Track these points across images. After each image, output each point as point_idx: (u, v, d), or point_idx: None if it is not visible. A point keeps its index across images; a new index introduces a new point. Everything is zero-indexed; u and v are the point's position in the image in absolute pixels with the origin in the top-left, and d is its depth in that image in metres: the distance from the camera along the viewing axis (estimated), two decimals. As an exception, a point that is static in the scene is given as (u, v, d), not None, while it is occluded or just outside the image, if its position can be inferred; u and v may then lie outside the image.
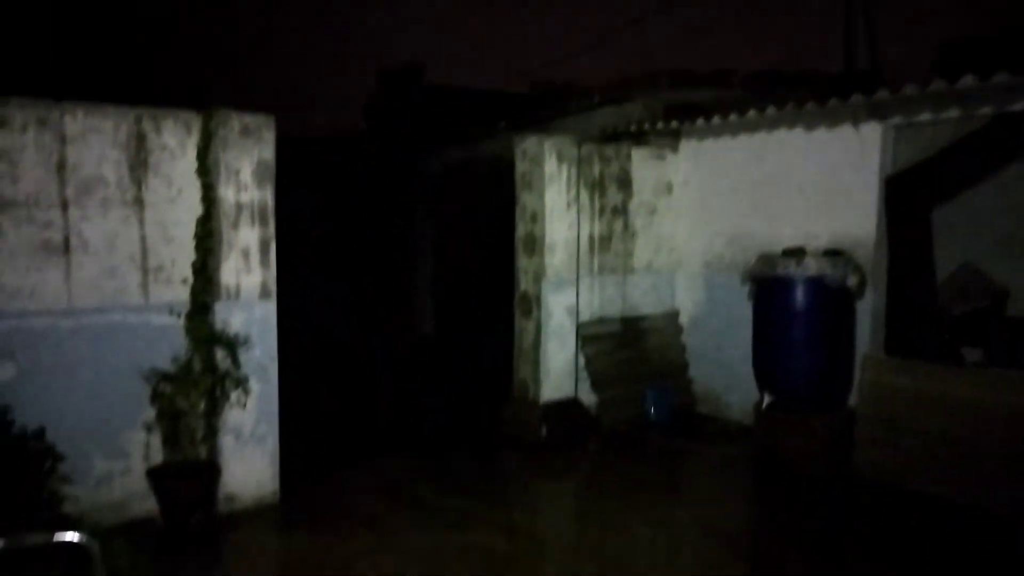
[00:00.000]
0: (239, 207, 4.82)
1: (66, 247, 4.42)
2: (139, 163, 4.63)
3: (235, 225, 4.81)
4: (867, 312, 5.75)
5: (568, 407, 6.51)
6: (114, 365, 4.58)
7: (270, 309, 4.94)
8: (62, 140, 4.37)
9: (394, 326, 10.69)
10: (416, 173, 10.90)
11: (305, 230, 10.31)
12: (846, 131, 5.83)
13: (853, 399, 5.65)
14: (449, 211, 10.59)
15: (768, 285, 5.64)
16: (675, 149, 7.37)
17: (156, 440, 4.74)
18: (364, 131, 13.74)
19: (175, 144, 4.76)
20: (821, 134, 6.04)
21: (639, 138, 7.27)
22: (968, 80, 4.64)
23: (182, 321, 4.76)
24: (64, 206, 4.41)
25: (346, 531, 4.49)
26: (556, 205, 6.37)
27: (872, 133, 5.63)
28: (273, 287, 4.96)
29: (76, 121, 4.41)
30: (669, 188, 7.39)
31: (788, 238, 6.14)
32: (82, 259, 4.48)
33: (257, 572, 4.09)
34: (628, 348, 7.09)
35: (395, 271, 11.16)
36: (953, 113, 5.15)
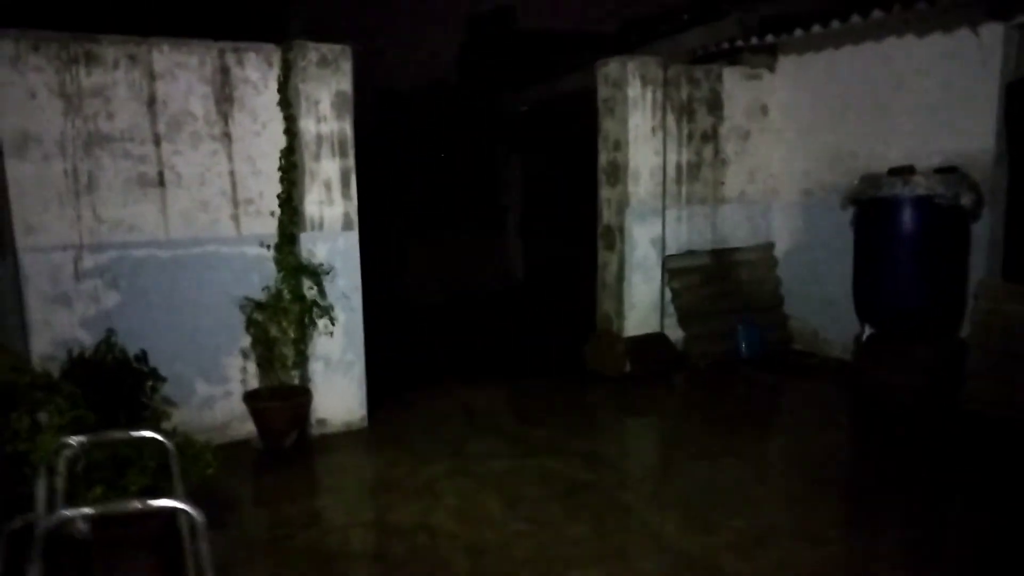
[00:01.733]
0: (320, 138, 4.96)
1: (160, 180, 4.69)
2: (225, 97, 4.82)
3: (316, 157, 4.95)
4: (984, 235, 5.35)
5: (653, 341, 6.45)
6: (211, 294, 4.87)
7: (352, 240, 5.10)
8: (151, 76, 4.60)
9: (487, 267, 10.86)
10: (503, 117, 10.89)
11: (407, 180, 10.66)
12: (963, 36, 5.35)
13: (964, 330, 5.32)
14: (537, 151, 10.55)
15: (872, 207, 5.33)
16: (772, 67, 6.99)
17: (252, 366, 5.04)
18: (456, 81, 13.76)
19: (258, 78, 4.91)
20: (936, 40, 5.56)
21: (733, 57, 6.94)
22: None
23: (272, 252, 4.99)
24: (157, 141, 4.66)
25: (429, 454, 4.67)
26: (640, 130, 6.20)
27: (992, 36, 5.14)
28: (355, 218, 5.10)
29: (163, 56, 4.62)
30: (764, 110, 7.04)
31: (897, 159, 5.75)
32: (176, 192, 4.74)
33: (345, 488, 4.31)
34: (718, 282, 6.91)
35: (486, 214, 11.28)
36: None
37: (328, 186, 5.00)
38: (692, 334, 6.68)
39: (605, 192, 6.44)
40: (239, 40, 4.89)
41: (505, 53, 12.69)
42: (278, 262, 4.96)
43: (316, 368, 5.09)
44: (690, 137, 6.69)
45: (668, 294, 6.68)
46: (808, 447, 4.75)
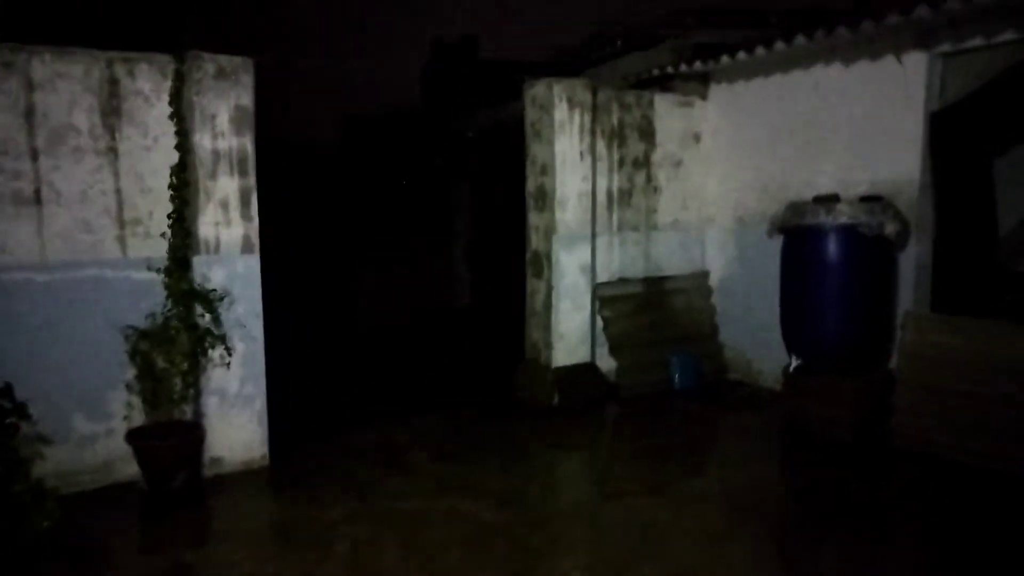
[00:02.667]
0: (216, 155, 4.67)
1: (37, 198, 4.34)
2: (112, 110, 4.51)
3: (212, 175, 4.65)
4: (911, 265, 5.30)
5: (583, 372, 6.24)
6: (92, 322, 4.51)
7: (253, 264, 4.79)
8: (29, 86, 4.27)
9: (435, 291, 10.64)
10: (455, 142, 10.77)
11: (364, 203, 10.43)
12: (888, 64, 5.35)
13: (893, 362, 5.23)
14: (483, 177, 10.41)
15: (796, 235, 5.24)
16: (704, 95, 6.95)
17: (138, 400, 4.67)
18: (418, 106, 13.63)
19: (150, 89, 4.62)
20: (861, 68, 5.56)
21: (665, 84, 6.88)
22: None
23: (161, 276, 4.65)
24: (34, 155, 4.32)
25: (331, 497, 4.35)
26: (568, 155, 6.05)
27: (916, 64, 5.14)
28: (256, 240, 4.80)
29: (44, 65, 4.30)
30: (697, 138, 6.98)
31: (826, 187, 5.70)
32: (55, 211, 4.39)
33: (228, 537, 3.96)
34: (651, 311, 6.76)
35: (436, 239, 11.10)
36: (1008, 36, 4.63)
37: (225, 206, 4.70)
38: (624, 364, 6.50)
39: (533, 218, 6.26)
40: (132, 51, 4.60)
41: (464, 80, 12.66)
42: (168, 287, 4.62)
43: (211, 403, 4.74)
44: (621, 163, 6.58)
45: (600, 323, 6.50)
46: (731, 483, 4.58)
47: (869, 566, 3.54)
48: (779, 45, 5.54)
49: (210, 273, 4.67)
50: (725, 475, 4.78)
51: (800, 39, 5.36)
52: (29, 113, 4.29)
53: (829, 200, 5.17)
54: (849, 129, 5.68)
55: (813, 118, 5.97)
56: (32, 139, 4.30)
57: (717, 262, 7.07)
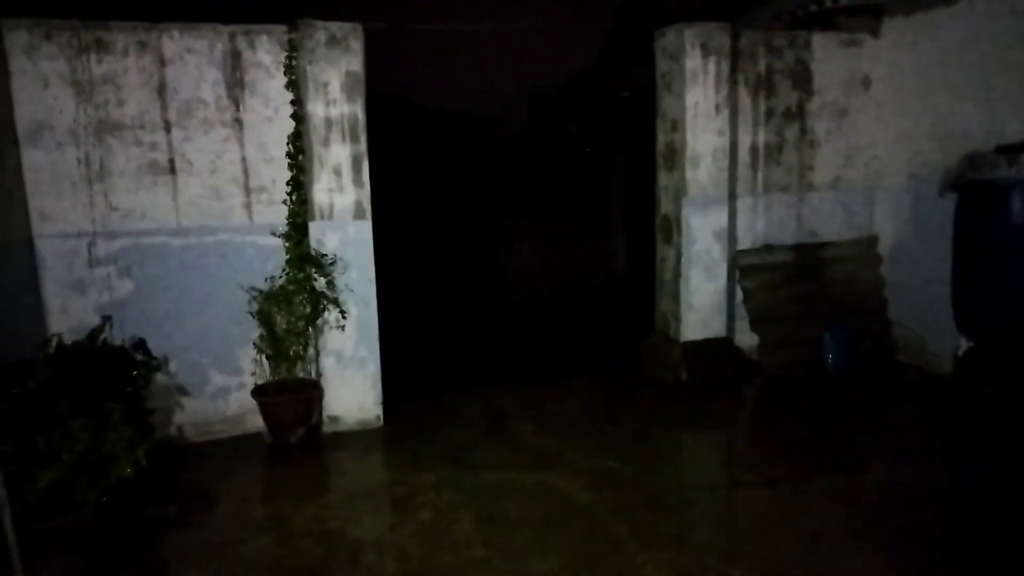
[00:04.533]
0: (329, 123, 4.89)
1: (172, 168, 4.81)
2: (236, 82, 4.87)
3: (325, 142, 4.89)
4: None
5: (715, 347, 5.90)
6: (223, 283, 4.95)
7: (364, 229, 4.99)
8: (161, 62, 4.71)
9: (591, 260, 10.63)
10: (614, 105, 10.57)
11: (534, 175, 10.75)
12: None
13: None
14: (634, 139, 10.12)
15: (972, 193, 4.55)
16: (875, 32, 6.19)
17: (264, 358, 5.08)
18: (596, 72, 13.51)
19: (270, 61, 4.92)
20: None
21: (827, 22, 6.21)
22: None
23: (283, 241, 4.99)
24: (167, 128, 4.78)
25: (428, 461, 4.48)
26: (701, 108, 5.66)
27: None
28: (367, 206, 4.99)
29: (173, 42, 4.72)
30: (866, 83, 6.24)
31: (1011, 134, 4.88)
32: (188, 180, 4.84)
33: (332, 492, 4.23)
34: (802, 281, 6.22)
35: (595, 208, 11.06)
36: None
37: (338, 173, 4.92)
38: (766, 340, 6.06)
39: (662, 178, 5.96)
40: (251, 23, 4.92)
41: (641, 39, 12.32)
42: (287, 251, 4.95)
43: (328, 363, 5.05)
44: (769, 115, 6.05)
45: (740, 294, 6.10)
46: (869, 482, 4.12)
47: None
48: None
49: (324, 238, 4.94)
50: (863, 472, 4.30)
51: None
52: (161, 88, 4.73)
53: (1014, 150, 4.42)
54: (1051, 63, 4.79)
55: (1008, 54, 5.10)
56: (165, 112, 4.76)
57: (888, 226, 6.33)
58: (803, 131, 6.15)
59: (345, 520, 3.80)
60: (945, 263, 5.34)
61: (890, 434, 4.91)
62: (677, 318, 5.87)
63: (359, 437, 5.00)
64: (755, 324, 6.07)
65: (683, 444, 4.97)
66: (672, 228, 5.85)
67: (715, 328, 5.91)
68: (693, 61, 5.57)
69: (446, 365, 6.83)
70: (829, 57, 6.14)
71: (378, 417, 5.17)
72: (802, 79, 6.10)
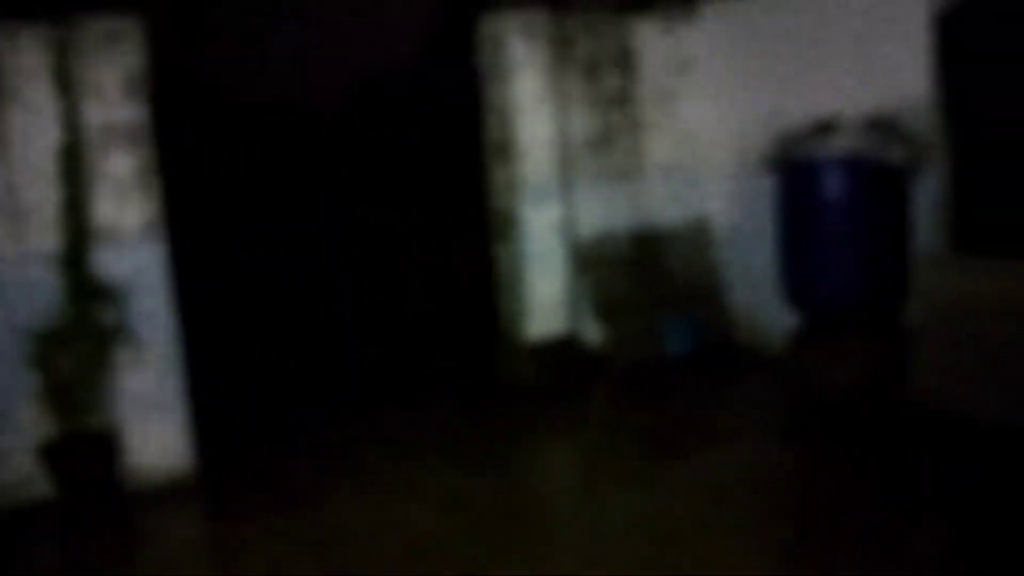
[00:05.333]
0: (108, 129, 4.36)
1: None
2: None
3: (104, 150, 4.35)
4: (928, 200, 4.75)
5: (563, 345, 5.86)
6: (-10, 328, 4.29)
7: (157, 252, 4.50)
8: None
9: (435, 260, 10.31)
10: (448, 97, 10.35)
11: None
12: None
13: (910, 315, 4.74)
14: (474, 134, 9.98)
15: (786, 172, 4.74)
16: (690, 16, 6.37)
17: (49, 410, 4.46)
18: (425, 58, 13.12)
19: (36, 64, 4.31)
20: (864, -32, 4.96)
21: (644, 5, 6.31)
22: None
23: (57, 271, 4.40)
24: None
25: (256, 509, 4.10)
26: (529, 98, 5.59)
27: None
28: (161, 224, 4.51)
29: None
30: (688, 67, 6.42)
31: (828, 112, 5.15)
32: (-67, 207, 4.15)
33: (141, 558, 3.75)
34: (642, 270, 6.31)
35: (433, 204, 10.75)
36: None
37: (120, 187, 4.40)
38: (613, 333, 6.10)
39: (495, 172, 5.84)
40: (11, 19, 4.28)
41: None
42: (64, 283, 4.36)
43: (126, 410, 4.51)
44: (599, 102, 6.07)
45: (583, 288, 6.10)
46: (725, 466, 4.18)
47: (893, 558, 3.13)
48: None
49: (110, 264, 4.40)
50: (710, 457, 4.37)
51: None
52: None
53: (823, 127, 4.65)
54: (852, 43, 5.09)
55: (813, 35, 5.38)
56: None
57: (720, 208, 6.56)
58: (633, 117, 6.24)
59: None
60: (768, 243, 5.60)
61: (736, 415, 5.05)
62: (521, 318, 5.78)
63: (171, 491, 4.50)
64: (600, 317, 6.09)
65: (536, 452, 4.87)
66: (508, 224, 5.75)
67: (561, 325, 5.88)
68: (518, 49, 5.49)
69: (280, 385, 6.38)
70: (652, 42, 6.25)
71: (190, 465, 4.68)
72: (628, 64, 6.17)
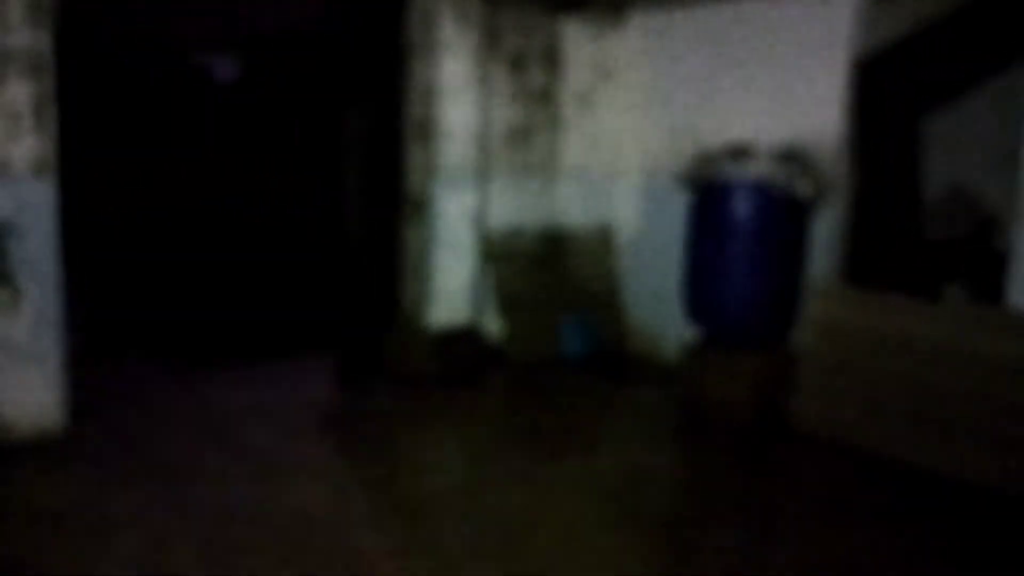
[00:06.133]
0: (6, 56, 4.08)
1: None
2: None
3: (1, 79, 4.07)
4: (826, 231, 5.19)
5: (466, 336, 5.96)
6: None
7: (47, 189, 4.26)
8: None
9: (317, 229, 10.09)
10: (353, 64, 10.13)
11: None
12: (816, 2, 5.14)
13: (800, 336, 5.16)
14: (373, 105, 9.84)
15: (701, 191, 5.05)
16: (618, 24, 6.63)
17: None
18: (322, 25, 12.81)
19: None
20: (790, 5, 5.35)
21: (576, 6, 6.51)
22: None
23: (-70, 201, 4.08)
24: None
25: (136, 477, 3.96)
26: (456, 81, 5.65)
27: (844, 2, 4.95)
28: (52, 161, 4.26)
29: None
30: (610, 73, 6.67)
31: (742, 138, 5.51)
32: None
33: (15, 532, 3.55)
34: (548, 268, 6.52)
35: (327, 177, 10.51)
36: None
37: (15, 117, 4.13)
38: (513, 328, 6.26)
39: (412, 154, 5.87)
40: None
41: None
42: (-64, 215, 4.06)
43: (-7, 357, 4.24)
44: (521, 96, 6.22)
45: (488, 281, 6.22)
46: (609, 470, 4.41)
47: (751, 567, 3.43)
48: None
49: (-7, 200, 4.12)
50: (603, 460, 4.60)
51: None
52: None
53: (739, 152, 4.99)
54: (772, 74, 5.49)
55: (736, 59, 5.75)
56: None
57: (625, 216, 6.85)
58: (553, 116, 6.42)
59: (28, 551, 3.21)
60: (671, 256, 5.92)
61: (626, 420, 5.35)
62: (424, 304, 5.84)
63: (40, 449, 4.28)
64: (502, 311, 6.25)
65: (432, 442, 4.92)
66: (421, 206, 5.79)
67: (463, 316, 5.98)
68: (449, 29, 5.53)
69: (160, 346, 6.16)
70: (578, 44, 6.46)
71: (64, 423, 4.47)
72: (553, 62, 6.35)
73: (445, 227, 5.78)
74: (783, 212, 4.90)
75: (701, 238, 5.11)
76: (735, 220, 4.89)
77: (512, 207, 6.33)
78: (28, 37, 4.12)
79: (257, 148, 10.17)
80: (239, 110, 10.29)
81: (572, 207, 6.68)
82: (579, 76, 6.50)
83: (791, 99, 5.32)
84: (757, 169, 4.86)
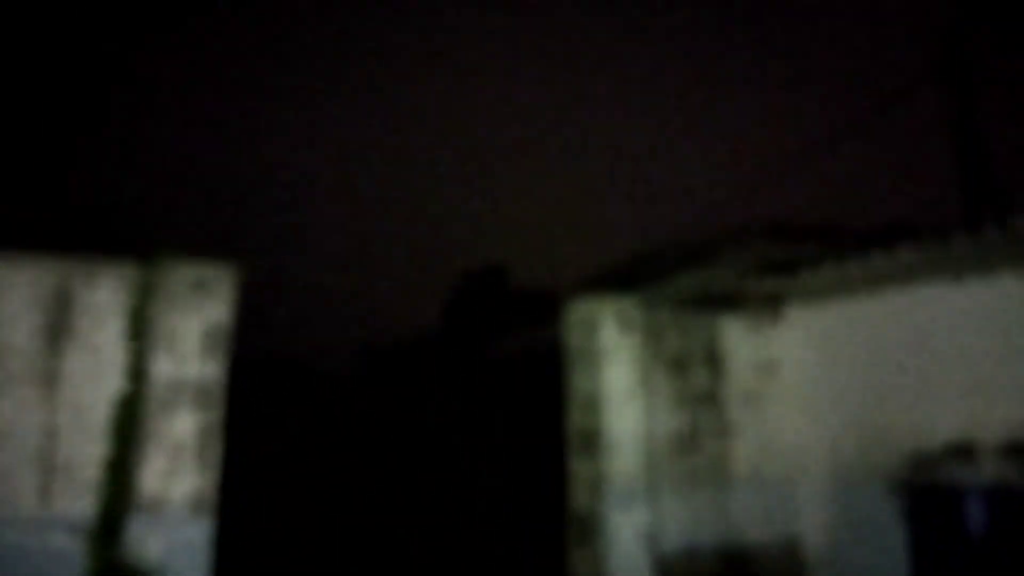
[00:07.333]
0: (177, 385, 4.16)
1: (-60, 437, 3.80)
2: (59, 327, 4.10)
3: (167, 408, 4.11)
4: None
5: None
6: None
7: (203, 530, 4.06)
8: (-44, 297, 3.92)
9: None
10: (488, 375, 10.43)
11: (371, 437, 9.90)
12: (1007, 281, 4.86)
13: None
14: (506, 415, 9.82)
15: (925, 497, 4.43)
16: (775, 318, 6.48)
17: None
18: (441, 330, 13.78)
19: (108, 304, 4.24)
20: (974, 286, 5.07)
21: (731, 304, 6.45)
22: None
23: (85, 543, 3.93)
24: (-54, 382, 3.85)
25: None
26: (619, 388, 5.46)
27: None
28: (212, 497, 4.12)
29: (-19, 274, 3.98)
30: (775, 368, 6.39)
31: (945, 430, 4.97)
32: (-40, 453, 3.83)
33: None
34: (730, 593, 5.74)
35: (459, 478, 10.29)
36: None
37: (179, 450, 4.09)
38: (698, 672, 5.37)
39: (578, 465, 5.53)
40: (92, 255, 4.30)
41: (495, 309, 12.80)
42: (89, 559, 3.88)
43: None
44: (685, 399, 5.95)
45: (662, 611, 5.49)
46: None
47: None
48: (877, 259, 5.12)
49: (146, 541, 3.94)
50: None
51: (906, 253, 4.94)
52: (-49, 330, 3.88)
53: (964, 451, 4.43)
54: (967, 358, 5.07)
55: (918, 344, 5.39)
56: (-52, 362, 3.85)
57: (812, 526, 6.13)
58: (720, 418, 6.07)
59: None
60: (883, 572, 5.11)
61: None
62: (596, 645, 5.11)
63: None
64: (684, 650, 5.41)
65: None
66: (590, 526, 5.31)
67: (641, 658, 5.18)
68: (609, 335, 5.47)
69: None
70: (739, 340, 6.29)
71: None
72: (714, 360, 6.14)
73: (617, 549, 5.24)
74: (1038, 519, 4.19)
75: (930, 551, 4.38)
76: (972, 528, 4.19)
77: (685, 523, 5.76)
78: (201, 367, 4.21)
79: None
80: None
81: (750, 517, 6.04)
82: (742, 375, 6.24)
83: (1004, 385, 4.82)
84: (985, 468, 4.25)
